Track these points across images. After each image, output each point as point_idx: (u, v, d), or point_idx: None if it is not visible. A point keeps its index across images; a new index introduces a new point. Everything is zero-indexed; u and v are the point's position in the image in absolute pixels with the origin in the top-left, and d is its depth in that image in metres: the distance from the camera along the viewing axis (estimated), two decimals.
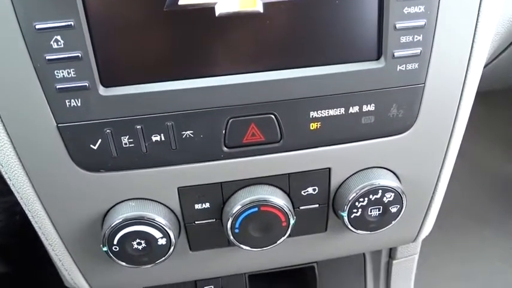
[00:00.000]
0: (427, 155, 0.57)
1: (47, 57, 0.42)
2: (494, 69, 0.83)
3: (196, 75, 0.47)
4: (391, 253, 0.77)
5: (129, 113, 0.46)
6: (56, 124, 0.46)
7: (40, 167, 0.49)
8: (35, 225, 0.54)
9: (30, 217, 0.53)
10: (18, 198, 0.51)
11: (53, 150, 0.48)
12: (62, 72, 0.43)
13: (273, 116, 0.49)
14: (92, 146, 0.48)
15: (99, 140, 0.47)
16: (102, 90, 0.45)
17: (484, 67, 0.55)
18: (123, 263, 0.53)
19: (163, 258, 0.54)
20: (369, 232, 0.58)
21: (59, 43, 0.42)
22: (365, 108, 0.51)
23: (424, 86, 0.51)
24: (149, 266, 0.54)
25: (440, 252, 1.56)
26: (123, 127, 0.47)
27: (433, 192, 0.61)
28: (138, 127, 0.47)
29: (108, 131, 0.47)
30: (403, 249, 0.75)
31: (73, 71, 0.43)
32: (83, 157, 0.48)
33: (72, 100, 0.45)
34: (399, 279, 0.80)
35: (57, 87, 0.44)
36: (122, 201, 0.52)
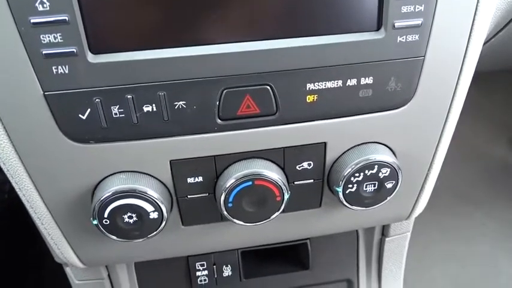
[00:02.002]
0: (424, 130, 0.56)
1: (32, 21, 0.40)
2: (493, 48, 0.82)
3: (189, 43, 0.45)
4: (384, 230, 0.77)
5: (120, 81, 0.45)
6: (42, 92, 0.44)
7: (27, 138, 0.47)
8: (23, 198, 0.52)
9: (17, 190, 0.51)
10: (5, 171, 0.50)
11: (40, 119, 0.46)
12: (48, 36, 0.41)
13: (268, 88, 0.48)
14: (80, 115, 0.46)
15: (88, 110, 0.46)
16: (91, 57, 0.43)
17: (483, 45, 0.54)
18: (114, 237, 0.52)
19: (155, 232, 0.53)
20: (363, 208, 0.57)
21: (45, 5, 0.40)
22: (363, 81, 0.49)
23: (424, 59, 0.50)
24: (140, 240, 0.53)
25: (430, 232, 1.58)
26: (113, 96, 0.45)
27: (429, 169, 0.60)
28: (128, 97, 0.45)
29: (97, 100, 0.45)
30: (396, 227, 0.75)
31: (60, 35, 0.41)
32: (72, 127, 0.47)
33: (60, 67, 0.43)
34: (391, 256, 0.80)
35: (44, 52, 0.42)
36: (113, 174, 0.51)
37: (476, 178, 1.80)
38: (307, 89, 0.49)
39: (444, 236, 1.60)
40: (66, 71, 0.43)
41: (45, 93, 0.44)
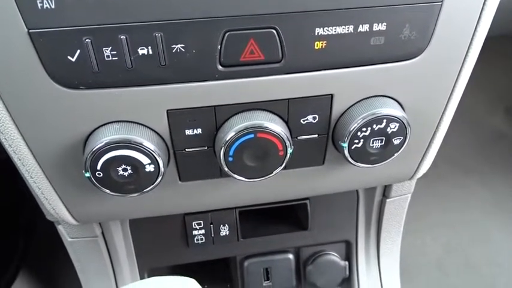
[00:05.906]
0: (436, 84, 0.53)
1: None
2: (501, 8, 0.78)
3: None
4: (385, 191, 0.75)
5: (112, 19, 0.41)
6: (26, 30, 0.40)
7: (11, 82, 0.43)
8: (9, 150, 0.49)
9: (2, 140, 0.48)
10: None
11: (24, 61, 0.42)
12: None
13: (274, 31, 0.44)
14: (69, 57, 0.42)
15: (78, 51, 0.42)
16: None
17: None
18: (108, 191, 0.49)
19: (151, 187, 0.50)
20: (368, 165, 0.55)
21: None
22: (375, 27, 0.46)
23: (441, 4, 0.46)
24: (135, 195, 0.51)
25: (425, 200, 1.59)
26: (105, 36, 0.41)
27: (437, 126, 0.58)
28: (122, 37, 0.42)
29: (87, 40, 0.41)
30: (397, 188, 0.74)
31: None
32: (60, 71, 0.43)
33: (45, 1, 0.39)
34: (391, 218, 0.79)
35: None
36: (106, 124, 0.48)
37: (471, 147, 1.80)
38: (316, 34, 0.45)
39: (436, 203, 1.61)
40: (52, 6, 0.39)
41: (30, 30, 0.40)
